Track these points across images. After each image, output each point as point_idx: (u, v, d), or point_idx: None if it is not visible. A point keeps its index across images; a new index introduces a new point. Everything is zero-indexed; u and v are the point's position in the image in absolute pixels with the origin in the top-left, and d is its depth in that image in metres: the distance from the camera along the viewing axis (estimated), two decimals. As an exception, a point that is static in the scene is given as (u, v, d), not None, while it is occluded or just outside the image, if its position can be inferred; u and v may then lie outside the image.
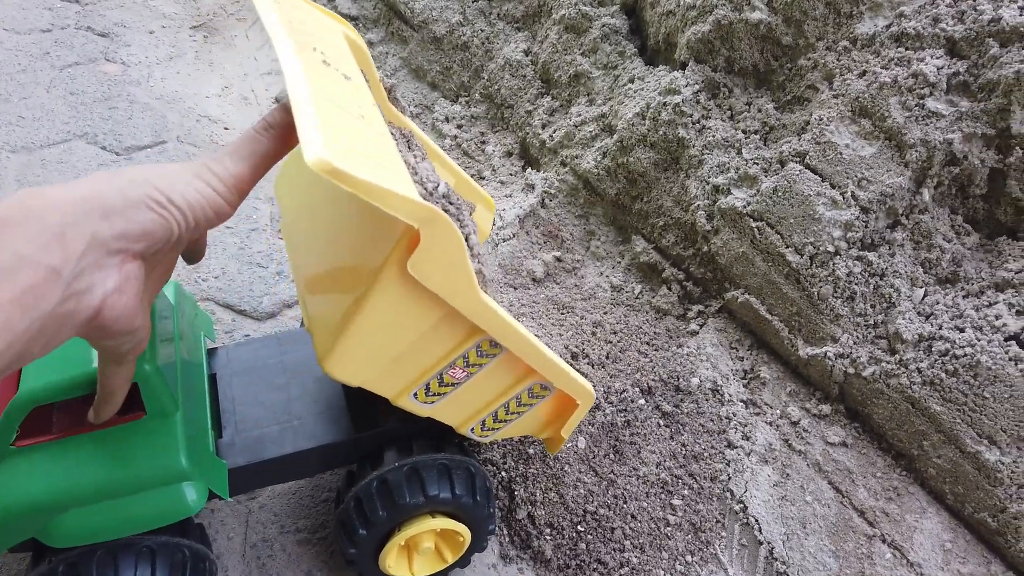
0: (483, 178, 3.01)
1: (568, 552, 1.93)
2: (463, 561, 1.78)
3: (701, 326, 2.38)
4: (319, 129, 0.87)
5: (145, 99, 3.16)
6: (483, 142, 3.10)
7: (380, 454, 1.61)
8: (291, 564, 1.84)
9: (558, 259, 2.69)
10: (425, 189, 1.24)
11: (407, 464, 1.56)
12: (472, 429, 1.53)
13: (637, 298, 2.51)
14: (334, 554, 1.86)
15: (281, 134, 1.05)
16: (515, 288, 2.60)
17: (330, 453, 1.60)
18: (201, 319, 1.76)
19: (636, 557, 1.94)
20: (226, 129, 3.08)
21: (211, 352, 1.74)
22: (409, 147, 1.41)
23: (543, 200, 2.75)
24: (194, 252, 1.22)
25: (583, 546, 1.93)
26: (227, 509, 1.98)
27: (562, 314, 2.45)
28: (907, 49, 2.02)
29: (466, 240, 1.33)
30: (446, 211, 1.25)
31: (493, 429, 1.56)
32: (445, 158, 1.93)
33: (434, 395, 1.37)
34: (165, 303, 1.49)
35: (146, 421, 1.32)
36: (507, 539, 1.96)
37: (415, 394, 1.34)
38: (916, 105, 1.96)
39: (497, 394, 1.46)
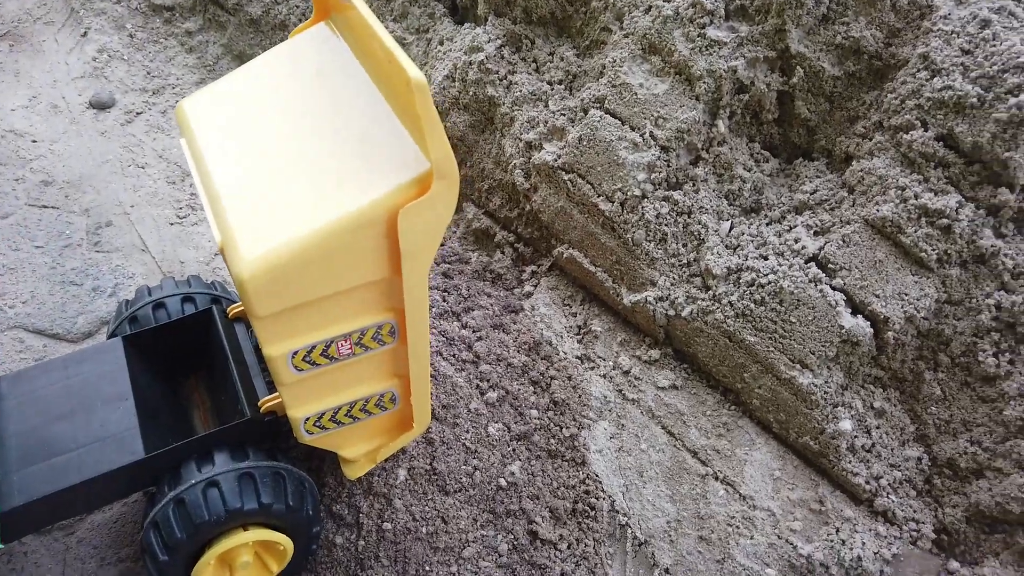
0: (316, 161, 2.88)
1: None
2: (295, 568, 1.71)
3: (535, 287, 2.33)
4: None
5: (-58, 121, 2.93)
6: (314, 124, 2.96)
7: (178, 471, 1.51)
8: (108, 597, 1.75)
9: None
10: None
11: (204, 480, 1.46)
12: (307, 419, 1.44)
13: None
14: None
15: None
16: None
17: (122, 478, 1.49)
18: None
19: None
20: (34, 142, 2.87)
21: None
22: None
23: (373, 177, 2.65)
24: None
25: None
26: (43, 549, 1.87)
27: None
28: (685, -22, 1.96)
29: None
30: None
31: (323, 428, 1.48)
32: None
33: (310, 363, 1.30)
34: None
35: None
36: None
37: (295, 352, 1.27)
38: (698, 35, 1.92)
39: (357, 389, 1.42)
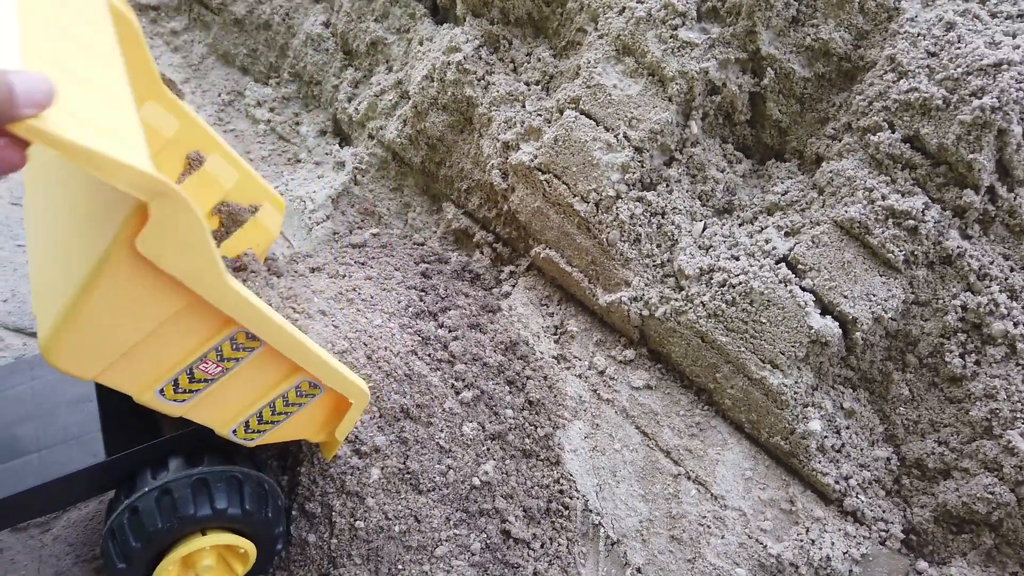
0: (299, 160, 2.89)
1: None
2: (261, 569, 1.72)
3: (513, 287, 2.34)
4: None
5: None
6: (297, 123, 2.98)
7: (134, 478, 1.52)
8: (86, 594, 1.76)
9: (375, 235, 2.61)
10: None
11: (157, 487, 1.46)
12: (234, 431, 1.45)
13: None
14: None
15: None
16: (331, 276, 2.51)
17: (82, 481, 1.49)
18: None
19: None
20: (18, 142, 2.88)
21: None
22: None
23: (355, 177, 2.66)
24: None
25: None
26: (18, 546, 1.88)
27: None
28: (658, -21, 1.97)
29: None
30: None
31: (258, 431, 1.48)
32: (231, 154, 1.82)
33: (185, 392, 1.27)
34: None
35: None
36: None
37: (162, 390, 1.24)
38: (671, 37, 1.92)
39: (261, 392, 1.38)
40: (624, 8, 2.02)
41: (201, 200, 1.82)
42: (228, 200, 1.87)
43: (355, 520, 1.80)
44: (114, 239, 0.98)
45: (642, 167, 1.98)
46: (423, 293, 2.30)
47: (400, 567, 1.79)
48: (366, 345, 1.98)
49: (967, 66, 1.62)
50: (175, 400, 1.27)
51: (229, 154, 1.81)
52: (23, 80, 0.68)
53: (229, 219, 1.91)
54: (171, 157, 1.73)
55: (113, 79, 1.03)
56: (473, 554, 1.85)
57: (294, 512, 1.81)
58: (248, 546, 1.60)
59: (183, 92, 1.62)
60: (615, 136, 2.00)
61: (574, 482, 1.97)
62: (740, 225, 1.95)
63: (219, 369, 1.26)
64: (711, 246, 1.94)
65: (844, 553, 1.74)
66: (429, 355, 2.10)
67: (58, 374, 1.66)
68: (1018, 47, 1.61)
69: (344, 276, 2.31)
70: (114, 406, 1.63)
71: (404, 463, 1.89)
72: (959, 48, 1.65)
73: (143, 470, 1.51)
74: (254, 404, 1.39)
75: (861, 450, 1.82)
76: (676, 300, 1.95)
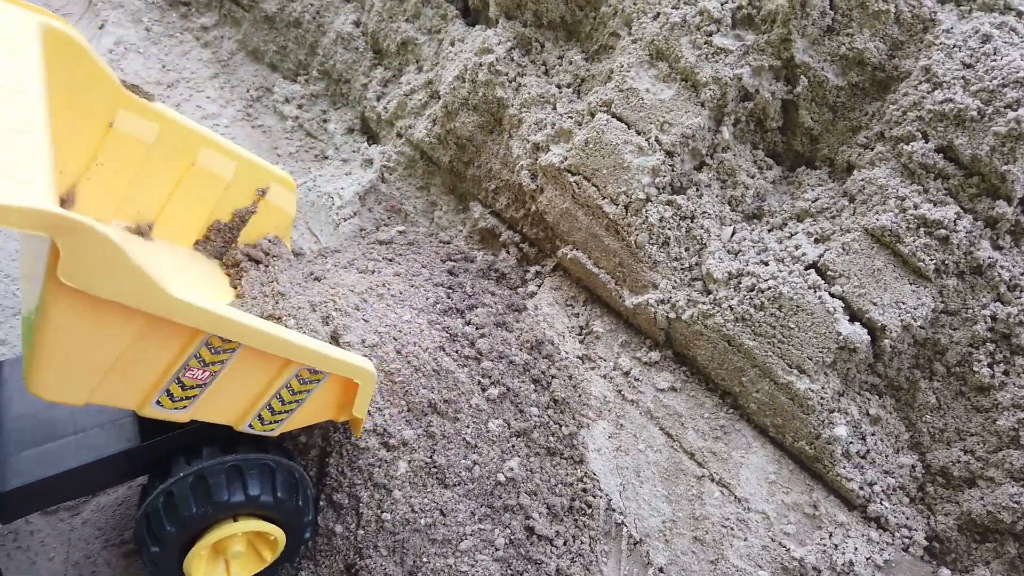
0: (326, 157, 2.92)
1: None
2: (289, 556, 1.74)
3: (539, 287, 2.36)
4: None
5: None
6: (325, 120, 3.01)
7: (168, 464, 1.54)
8: (117, 579, 1.78)
9: (401, 233, 2.63)
10: None
11: (192, 473, 1.48)
12: (251, 425, 1.47)
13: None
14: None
15: None
16: (360, 271, 2.54)
17: (118, 464, 1.51)
18: None
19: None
20: (50, 132, 2.92)
21: None
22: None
23: (382, 175, 2.68)
24: None
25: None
26: (48, 528, 1.90)
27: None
28: (693, -14, 1.99)
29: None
30: None
31: (275, 421, 1.50)
32: (222, 144, 1.83)
33: (182, 399, 1.31)
34: None
35: None
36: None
37: (159, 402, 1.28)
38: (705, 43, 1.94)
39: (261, 386, 1.41)
40: (659, 13, 2.04)
41: (204, 196, 1.80)
42: (231, 187, 1.85)
43: (382, 512, 1.82)
44: (46, 278, 1.01)
45: (672, 171, 2.00)
46: (450, 291, 2.32)
47: (425, 560, 1.81)
48: (396, 340, 2.00)
49: (1003, 78, 1.64)
50: (175, 408, 1.31)
51: (220, 145, 1.78)
52: None
53: (237, 212, 1.92)
54: (158, 162, 1.71)
55: (23, 113, 1.04)
56: (497, 549, 1.87)
57: (321, 502, 1.84)
58: (278, 533, 1.62)
59: (153, 95, 1.62)
60: (646, 140, 2.02)
61: (598, 481, 1.98)
62: (770, 231, 1.96)
63: (207, 374, 1.29)
64: (740, 251, 1.95)
65: (867, 559, 1.75)
66: (456, 351, 2.12)
67: None
68: (1054, 61, 1.62)
69: (373, 272, 2.34)
70: None
71: (431, 457, 1.91)
72: (995, 60, 1.66)
73: (177, 456, 1.53)
74: (259, 398, 1.41)
75: (886, 457, 1.84)
76: (703, 303, 1.96)
